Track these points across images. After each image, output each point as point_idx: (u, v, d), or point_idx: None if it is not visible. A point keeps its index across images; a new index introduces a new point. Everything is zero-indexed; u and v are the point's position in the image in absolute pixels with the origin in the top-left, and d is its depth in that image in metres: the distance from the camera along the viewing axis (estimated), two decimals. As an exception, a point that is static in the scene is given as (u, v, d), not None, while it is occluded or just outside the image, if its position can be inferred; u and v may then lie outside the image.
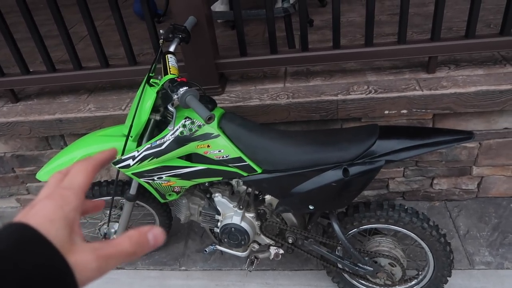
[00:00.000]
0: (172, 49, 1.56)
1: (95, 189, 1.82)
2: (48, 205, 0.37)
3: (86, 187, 0.42)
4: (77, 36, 3.03)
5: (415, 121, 1.97)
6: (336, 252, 1.71)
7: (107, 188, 1.82)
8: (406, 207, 1.57)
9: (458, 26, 2.37)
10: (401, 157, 1.36)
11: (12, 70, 2.20)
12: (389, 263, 1.62)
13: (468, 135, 1.35)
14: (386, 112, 1.89)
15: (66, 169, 0.44)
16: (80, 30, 3.08)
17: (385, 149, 1.36)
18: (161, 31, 1.58)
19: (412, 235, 1.58)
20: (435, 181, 2.19)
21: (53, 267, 0.33)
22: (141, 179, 1.57)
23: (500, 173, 2.13)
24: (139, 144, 1.55)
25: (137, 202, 1.84)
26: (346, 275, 1.75)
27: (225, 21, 2.96)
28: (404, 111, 1.88)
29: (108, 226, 1.93)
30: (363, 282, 1.75)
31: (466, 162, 2.10)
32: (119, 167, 1.54)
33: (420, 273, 1.71)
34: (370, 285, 1.75)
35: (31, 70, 2.17)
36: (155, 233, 0.42)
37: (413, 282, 1.72)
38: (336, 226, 1.57)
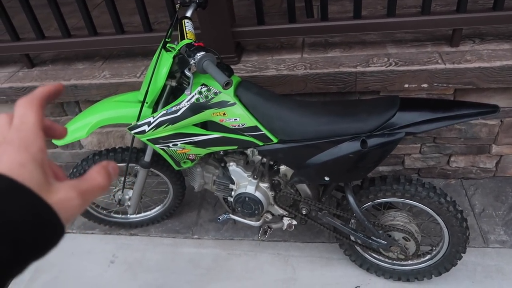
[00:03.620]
0: (189, 14, 1.53)
1: (110, 155, 1.83)
2: (10, 149, 0.35)
3: (40, 124, 0.38)
4: (91, 3, 2.97)
5: (435, 96, 1.92)
6: (350, 225, 1.70)
7: (122, 155, 1.83)
8: (423, 182, 1.55)
9: (484, -1, 2.27)
10: (422, 129, 1.33)
11: (28, 36, 2.18)
12: (403, 237, 1.60)
13: (493, 109, 1.31)
14: (406, 85, 1.84)
15: (10, 114, 0.40)
16: (95, -3, 3.04)
17: (406, 121, 1.33)
18: (178, -5, 1.54)
19: (428, 210, 1.56)
20: (452, 159, 2.15)
21: (37, 213, 0.32)
22: (156, 146, 1.57)
23: (520, 152, 2.08)
24: (154, 110, 1.54)
25: (151, 170, 1.84)
26: (358, 248, 1.74)
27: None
28: (425, 85, 1.83)
29: (122, 192, 1.94)
30: (375, 255, 1.75)
31: (485, 140, 2.05)
32: (134, 133, 1.54)
33: (434, 248, 1.70)
34: (382, 258, 1.75)
35: (46, 36, 2.15)
36: (112, 166, 0.42)
37: (426, 257, 1.71)
38: (351, 199, 1.55)
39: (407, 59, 1.85)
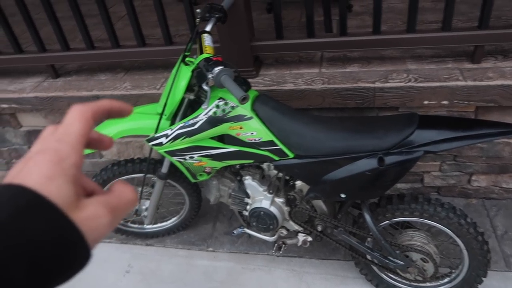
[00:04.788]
0: (208, 28, 1.55)
1: (128, 165, 1.85)
2: (42, 161, 0.32)
3: (84, 137, 0.35)
4: (115, 16, 3.07)
5: (456, 113, 1.88)
6: (366, 244, 1.67)
7: (140, 166, 1.85)
8: (442, 202, 1.51)
9: (508, 15, 2.23)
10: (441, 148, 1.30)
11: (54, 47, 2.25)
12: (421, 258, 1.56)
13: (515, 129, 1.27)
14: (426, 102, 1.81)
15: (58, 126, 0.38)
16: (119, 10, 3.12)
17: (424, 139, 1.31)
18: (197, 10, 1.57)
19: (448, 231, 1.51)
20: (473, 178, 2.09)
21: (60, 233, 0.30)
22: (173, 158, 1.58)
23: (546, 172, 2.01)
24: (172, 122, 1.56)
25: (168, 181, 1.86)
26: (375, 268, 1.71)
27: (261, 3, 2.91)
28: (445, 102, 1.80)
29: (139, 203, 1.96)
30: (392, 276, 1.71)
31: (508, 159, 1.99)
32: (152, 145, 1.56)
33: (454, 271, 1.65)
34: (399, 279, 1.70)
35: (71, 47, 2.22)
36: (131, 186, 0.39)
37: (445, 280, 1.66)
38: (367, 217, 1.53)
39: (427, 75, 1.83)
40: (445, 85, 1.76)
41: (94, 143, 0.40)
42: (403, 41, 1.85)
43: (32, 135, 2.40)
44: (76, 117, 0.36)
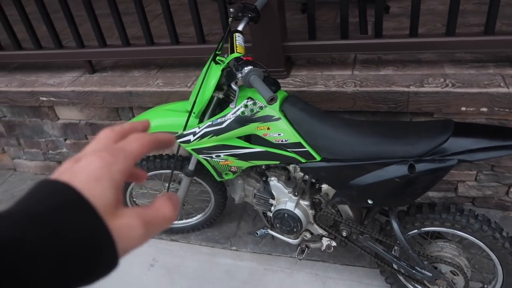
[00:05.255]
0: (240, 28, 1.55)
1: (156, 161, 1.88)
2: (96, 161, 0.34)
3: (137, 157, 0.37)
4: (151, 14, 3.13)
5: (496, 122, 1.79)
6: (393, 252, 1.62)
7: (168, 162, 1.88)
8: (476, 213, 1.44)
9: (557, 19, 2.10)
10: (476, 157, 1.24)
11: (92, 44, 2.33)
12: (450, 271, 1.50)
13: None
14: (463, 108, 1.74)
15: (120, 127, 0.40)
16: (155, 8, 3.18)
17: (459, 147, 1.25)
18: (231, 9, 1.57)
19: (481, 244, 1.44)
20: (512, 189, 1.99)
21: (93, 236, 0.30)
22: (200, 156, 1.59)
23: None
24: (200, 121, 1.57)
25: (195, 178, 1.88)
26: (401, 277, 1.65)
27: (295, 3, 2.89)
28: (484, 109, 1.72)
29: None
30: (419, 287, 1.64)
31: (551, 171, 1.87)
32: (180, 142, 1.57)
33: (486, 286, 1.57)
34: (426, 291, 1.64)
35: (107, 44, 2.28)
36: (175, 198, 0.39)
37: (475, 295, 1.58)
38: (395, 225, 1.48)
39: (466, 80, 1.75)
40: (485, 91, 1.68)
41: (131, 175, 0.42)
42: (441, 45, 1.78)
43: (68, 128, 2.49)
44: (137, 139, 0.39)
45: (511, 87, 1.67)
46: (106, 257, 0.31)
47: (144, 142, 0.39)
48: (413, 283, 1.65)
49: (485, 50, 1.81)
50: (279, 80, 1.94)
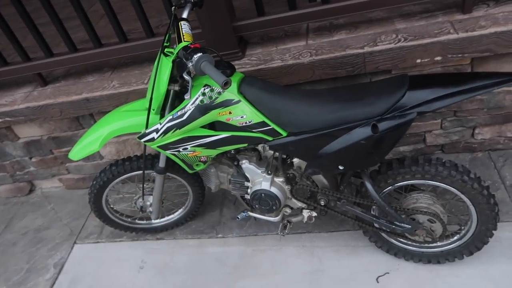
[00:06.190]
0: (185, 15, 1.51)
1: (126, 164, 1.85)
2: None
3: None
4: (97, 14, 3.02)
5: (451, 68, 1.82)
6: (372, 212, 1.65)
7: (137, 163, 1.84)
8: (443, 160, 1.48)
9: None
10: (434, 107, 1.26)
11: (38, 55, 2.23)
12: (428, 220, 1.55)
13: (510, 77, 1.22)
14: (418, 61, 1.76)
15: None
16: (100, 8, 3.06)
17: (417, 100, 1.27)
18: (172, -3, 1.52)
19: (452, 189, 1.49)
20: (476, 131, 2.05)
21: None
22: (167, 152, 1.57)
23: (550, 116, 1.95)
24: (162, 116, 1.54)
25: (168, 174, 1.85)
26: (383, 234, 1.70)
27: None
28: (438, 58, 1.74)
29: (143, 199, 1.97)
30: (401, 240, 1.70)
31: (510, 108, 1.94)
32: (144, 141, 1.54)
33: (463, 228, 1.63)
34: (409, 242, 1.69)
35: (54, 53, 2.19)
36: None
37: (455, 238, 1.64)
38: (369, 185, 1.51)
39: (417, 32, 1.77)
40: (437, 40, 1.71)
41: None
42: (389, 0, 1.78)
43: (30, 146, 2.41)
44: None
45: (460, 32, 1.69)
46: None
47: None
48: (395, 237, 1.70)
49: (431, -1, 1.82)
50: (236, 62, 1.92)
